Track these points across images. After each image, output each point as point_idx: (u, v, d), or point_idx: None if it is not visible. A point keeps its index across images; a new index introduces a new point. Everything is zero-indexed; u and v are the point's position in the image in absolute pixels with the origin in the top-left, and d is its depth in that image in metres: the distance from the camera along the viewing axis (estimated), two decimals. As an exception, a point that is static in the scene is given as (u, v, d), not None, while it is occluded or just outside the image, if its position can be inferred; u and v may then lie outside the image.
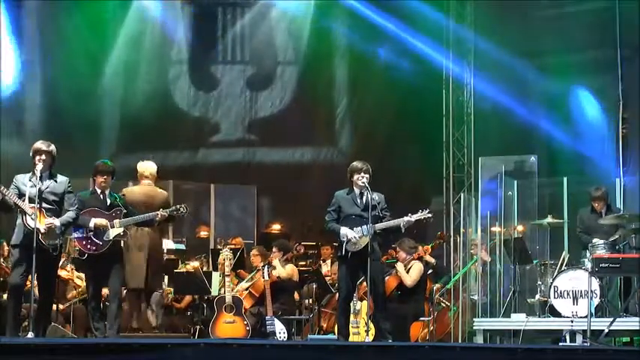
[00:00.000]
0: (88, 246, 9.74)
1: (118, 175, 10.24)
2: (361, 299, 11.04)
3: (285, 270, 11.83)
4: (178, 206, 10.39)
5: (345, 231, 9.66)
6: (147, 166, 11.28)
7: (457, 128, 16.32)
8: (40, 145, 9.32)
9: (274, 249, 12.05)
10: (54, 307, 10.53)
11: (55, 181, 9.34)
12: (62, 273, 11.64)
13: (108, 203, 9.88)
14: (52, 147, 9.34)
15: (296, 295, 12.27)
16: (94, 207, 9.81)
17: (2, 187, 9.11)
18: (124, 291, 10.90)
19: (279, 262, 11.85)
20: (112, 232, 9.76)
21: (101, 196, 9.89)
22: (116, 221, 9.79)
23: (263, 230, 16.36)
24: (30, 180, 9.18)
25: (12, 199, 9.09)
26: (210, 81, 17.01)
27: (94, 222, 9.70)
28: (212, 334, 10.97)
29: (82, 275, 11.76)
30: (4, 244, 11.46)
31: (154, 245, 11.03)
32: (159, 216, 10.19)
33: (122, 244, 10.04)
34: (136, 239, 10.81)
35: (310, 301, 12.17)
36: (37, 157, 9.22)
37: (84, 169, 14.47)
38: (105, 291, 10.23)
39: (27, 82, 15.48)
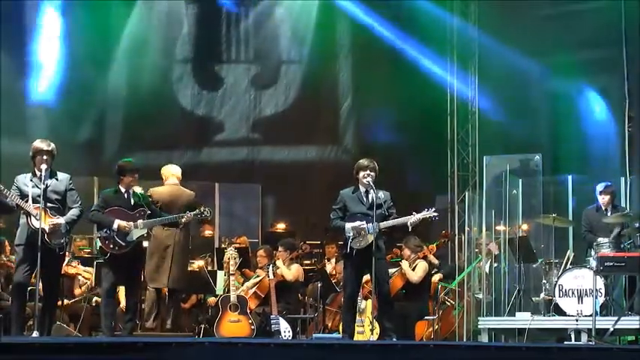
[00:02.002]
0: (111, 245, 9.71)
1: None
2: (366, 298, 11.03)
3: (290, 272, 11.80)
4: (203, 209, 10.40)
5: (349, 225, 9.64)
6: (170, 169, 11.29)
7: (461, 127, 16.29)
8: (40, 144, 9.26)
9: (280, 248, 12.05)
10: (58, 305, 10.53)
11: (57, 179, 9.31)
12: (69, 270, 11.64)
13: (132, 203, 9.85)
14: (52, 145, 9.29)
15: (301, 295, 12.27)
16: (117, 206, 9.79)
17: (4, 189, 9.09)
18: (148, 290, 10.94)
19: (282, 263, 11.83)
20: (135, 233, 9.73)
21: (125, 195, 9.87)
22: (139, 222, 9.74)
23: (268, 229, 16.34)
24: (31, 180, 9.17)
25: (14, 201, 9.07)
26: (214, 80, 17.00)
27: (117, 223, 9.64)
28: (217, 333, 10.96)
29: (90, 269, 11.78)
30: (6, 242, 11.46)
31: (179, 245, 10.96)
32: (184, 218, 10.20)
33: (146, 245, 10.09)
34: (162, 239, 10.76)
35: (315, 299, 12.16)
36: (39, 158, 9.19)
37: (87, 168, 14.56)
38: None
39: (30, 81, 15.48)
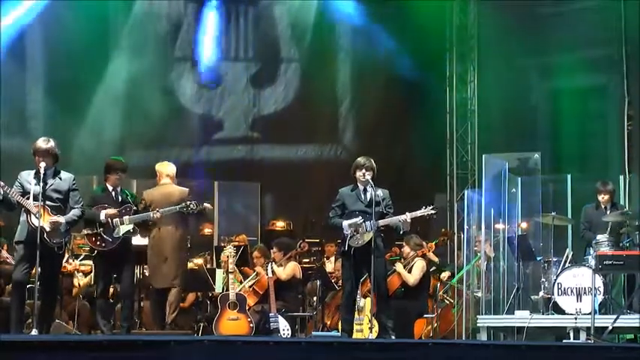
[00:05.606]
0: (98, 242, 9.75)
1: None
2: (365, 296, 11.02)
3: (284, 272, 11.72)
4: (188, 203, 10.36)
5: (346, 223, 9.64)
6: (163, 168, 11.25)
7: (461, 125, 16.31)
8: (40, 144, 9.22)
9: (274, 249, 11.92)
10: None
11: (60, 179, 9.29)
12: (68, 267, 11.64)
13: (119, 200, 9.91)
14: (51, 143, 9.20)
15: (300, 294, 12.25)
16: (104, 204, 9.84)
17: (5, 186, 9.07)
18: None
19: (275, 263, 11.74)
20: (122, 229, 9.77)
21: (113, 193, 9.94)
22: (125, 218, 9.78)
23: (267, 228, 16.34)
24: (34, 177, 9.16)
25: (15, 198, 9.06)
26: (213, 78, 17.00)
27: (104, 213, 9.71)
28: (216, 331, 10.96)
29: (88, 262, 11.79)
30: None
31: (177, 244, 10.89)
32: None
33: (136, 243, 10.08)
34: (160, 238, 10.72)
35: (314, 298, 12.16)
36: (37, 157, 9.17)
37: (87, 167, 14.53)
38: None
39: (30, 79, 15.47)
